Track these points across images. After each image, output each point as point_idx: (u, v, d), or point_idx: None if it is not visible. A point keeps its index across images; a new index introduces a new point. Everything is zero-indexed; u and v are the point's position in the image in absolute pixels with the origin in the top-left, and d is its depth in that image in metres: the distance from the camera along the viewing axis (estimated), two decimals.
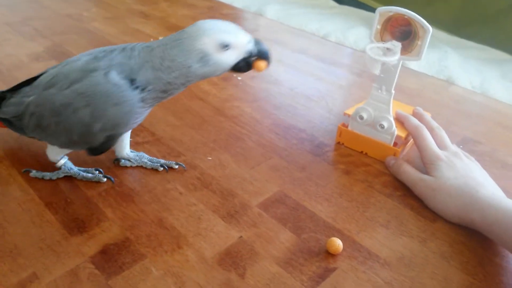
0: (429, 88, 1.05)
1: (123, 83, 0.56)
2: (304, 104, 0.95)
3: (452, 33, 2.20)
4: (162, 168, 0.71)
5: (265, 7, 2.26)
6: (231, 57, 0.58)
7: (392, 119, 0.72)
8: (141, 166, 0.71)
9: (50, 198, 0.64)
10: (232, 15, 1.53)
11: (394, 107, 0.77)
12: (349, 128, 0.78)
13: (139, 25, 1.39)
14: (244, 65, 0.60)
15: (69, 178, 0.67)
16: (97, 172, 0.68)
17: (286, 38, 1.36)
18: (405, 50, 0.64)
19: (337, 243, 0.56)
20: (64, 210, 0.62)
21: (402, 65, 0.69)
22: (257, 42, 0.59)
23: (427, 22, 0.61)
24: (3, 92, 0.67)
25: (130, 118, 0.59)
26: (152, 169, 0.71)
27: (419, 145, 0.70)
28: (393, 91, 0.70)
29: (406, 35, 0.63)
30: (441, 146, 0.70)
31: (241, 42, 0.58)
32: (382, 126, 0.72)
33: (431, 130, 0.72)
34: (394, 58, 0.62)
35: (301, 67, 1.14)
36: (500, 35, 2.08)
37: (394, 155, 0.74)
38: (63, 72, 0.59)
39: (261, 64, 0.60)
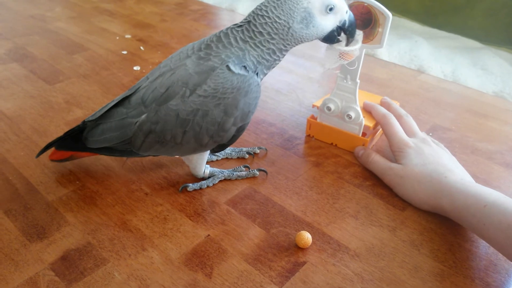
0: (398, 78, 1.05)
1: (244, 71, 0.55)
2: (274, 98, 0.94)
3: (424, 23, 2.22)
4: (248, 155, 0.73)
5: (237, 3, 2.24)
6: (331, 22, 0.57)
7: (359, 109, 0.71)
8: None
9: (9, 204, 0.61)
10: (202, 11, 1.51)
11: (362, 98, 0.77)
12: (318, 120, 0.77)
13: (105, 23, 1.35)
14: (333, 36, 0.58)
15: (28, 183, 0.65)
16: (245, 168, 0.69)
17: None
18: (367, 38, 0.64)
19: (306, 237, 0.55)
20: (23, 216, 0.59)
21: (372, 56, 0.68)
22: (351, 14, 0.58)
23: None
24: (83, 122, 0.62)
25: (257, 102, 0.58)
26: (238, 158, 0.73)
27: (387, 133, 0.69)
28: (358, 81, 0.69)
29: (367, 23, 0.63)
30: (409, 133, 0.70)
31: (342, 8, 0.56)
32: (349, 117, 0.72)
33: (399, 117, 0.72)
34: (356, 47, 0.61)
35: None
36: (470, 24, 2.11)
37: (363, 145, 0.73)
38: (177, 81, 0.55)
39: None
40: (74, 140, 0.63)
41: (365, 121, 0.72)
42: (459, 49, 1.89)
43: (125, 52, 1.14)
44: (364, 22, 0.63)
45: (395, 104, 0.76)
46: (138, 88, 0.60)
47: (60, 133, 0.76)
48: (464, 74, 1.59)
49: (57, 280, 0.50)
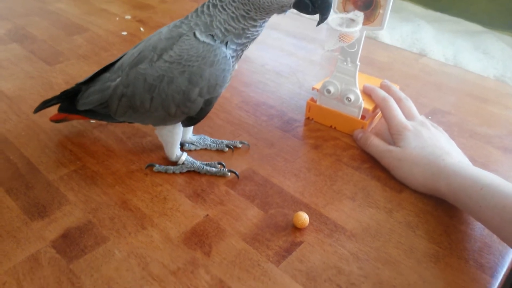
0: (399, 61, 1.04)
1: (210, 40, 0.54)
2: (275, 81, 0.94)
3: (427, 6, 2.20)
4: (227, 149, 0.70)
5: None
6: None
7: (358, 92, 0.71)
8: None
9: (10, 183, 0.62)
10: None
11: (362, 81, 0.77)
12: (318, 103, 0.77)
13: (105, 4, 1.34)
14: (306, 5, 0.54)
15: (29, 163, 0.65)
16: (219, 165, 0.66)
17: None
18: (367, 20, 0.63)
19: (303, 217, 0.56)
20: (25, 195, 0.60)
21: (373, 38, 0.68)
22: None
23: None
24: (77, 85, 0.65)
25: (226, 76, 0.57)
26: (217, 150, 0.70)
27: (386, 116, 0.70)
28: (358, 63, 0.69)
29: (368, 4, 0.62)
30: (408, 116, 0.70)
31: None
32: (349, 99, 0.72)
33: (398, 100, 0.72)
34: (356, 29, 0.61)
35: (272, 43, 1.12)
36: (473, 8, 2.09)
37: (362, 128, 0.73)
38: (149, 46, 0.57)
39: None
40: (70, 102, 0.66)
41: (365, 104, 0.72)
42: (461, 33, 1.87)
43: (125, 33, 1.14)
44: (365, 3, 0.63)
45: (395, 87, 0.76)
46: (125, 54, 0.62)
47: None
48: (466, 58, 1.58)
49: (58, 257, 0.51)
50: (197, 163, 0.65)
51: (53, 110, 0.70)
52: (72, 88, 0.66)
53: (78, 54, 1.02)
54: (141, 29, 1.17)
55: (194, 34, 0.55)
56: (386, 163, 0.66)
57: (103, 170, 0.65)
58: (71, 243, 0.53)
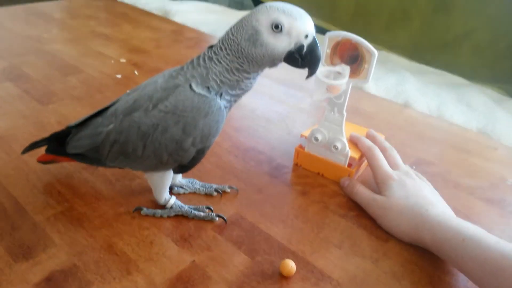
0: (385, 111, 1.08)
1: (206, 92, 0.56)
2: (264, 126, 0.96)
3: (412, 58, 2.28)
4: (216, 193, 0.71)
5: None
6: (283, 43, 0.54)
7: (345, 140, 0.73)
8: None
9: None
10: (197, 39, 1.54)
11: (348, 129, 0.79)
12: (306, 149, 0.79)
13: (101, 47, 1.38)
14: (296, 59, 0.56)
15: (16, 203, 0.65)
16: (208, 210, 0.66)
17: None
18: (354, 73, 0.66)
19: (290, 266, 0.56)
20: (10, 235, 0.59)
21: (360, 88, 0.71)
22: (314, 42, 0.55)
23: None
24: (68, 128, 0.65)
25: (220, 127, 0.58)
26: (206, 194, 0.71)
27: (372, 165, 0.72)
28: (344, 113, 0.72)
29: (354, 58, 0.65)
30: (393, 166, 0.72)
31: (297, 29, 0.53)
32: (336, 148, 0.74)
33: (383, 150, 0.74)
34: (343, 81, 0.64)
35: (263, 90, 1.16)
36: (457, 61, 2.17)
37: (349, 175, 0.75)
38: (144, 95, 0.58)
39: None
40: (59, 144, 0.66)
41: (351, 153, 0.74)
42: (445, 85, 1.94)
43: (119, 76, 1.16)
44: (351, 58, 0.66)
45: (380, 137, 0.79)
46: (118, 100, 0.63)
47: None
48: (450, 110, 1.63)
49: None
50: (185, 207, 0.65)
51: (43, 150, 0.70)
52: (62, 131, 0.67)
53: (71, 94, 1.03)
54: (136, 72, 1.19)
55: (190, 85, 0.56)
56: (372, 212, 0.67)
57: (90, 212, 0.65)
58: (55, 287, 0.52)
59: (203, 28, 1.76)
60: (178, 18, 1.86)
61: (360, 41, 0.64)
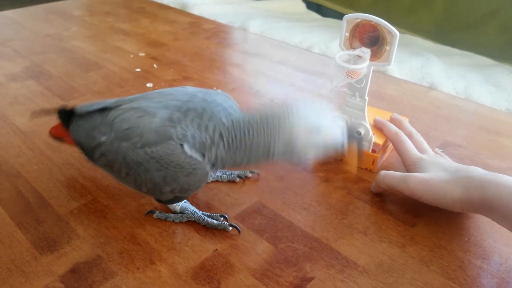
0: (409, 94, 1.05)
1: (196, 156, 0.55)
2: None
3: (436, 40, 2.22)
4: (238, 179, 0.71)
5: (248, 22, 2.27)
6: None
7: (368, 125, 0.71)
8: None
9: (21, 217, 0.62)
10: (214, 30, 1.54)
11: (371, 114, 0.77)
12: None
13: (120, 42, 1.39)
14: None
15: (40, 197, 0.66)
16: (222, 218, 0.63)
17: (268, 50, 1.36)
18: (374, 56, 0.64)
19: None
20: (35, 229, 0.60)
21: (382, 73, 0.69)
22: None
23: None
24: (72, 108, 0.64)
25: (201, 185, 0.58)
26: (228, 181, 0.71)
27: (400, 151, 0.69)
28: (366, 97, 0.70)
29: (374, 41, 0.63)
30: (420, 150, 0.69)
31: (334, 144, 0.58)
32: (359, 133, 0.72)
33: (409, 136, 0.72)
34: (364, 65, 0.62)
35: (282, 78, 1.14)
36: (483, 41, 2.10)
37: (373, 161, 0.73)
38: (138, 127, 0.55)
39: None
40: (68, 116, 0.65)
41: (375, 139, 0.72)
42: (471, 66, 1.88)
43: (138, 70, 1.16)
44: (371, 40, 0.63)
45: (406, 122, 0.76)
46: (122, 104, 0.60)
47: (73, 151, 0.77)
48: (477, 91, 1.58)
49: None
50: (199, 213, 0.62)
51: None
52: (71, 109, 0.65)
53: (92, 90, 1.04)
54: (155, 65, 1.20)
55: (182, 145, 0.54)
56: (410, 190, 0.62)
57: (113, 204, 0.65)
58: (80, 278, 0.52)
59: (221, 19, 1.75)
60: (195, 11, 1.85)
61: (381, 22, 0.62)
